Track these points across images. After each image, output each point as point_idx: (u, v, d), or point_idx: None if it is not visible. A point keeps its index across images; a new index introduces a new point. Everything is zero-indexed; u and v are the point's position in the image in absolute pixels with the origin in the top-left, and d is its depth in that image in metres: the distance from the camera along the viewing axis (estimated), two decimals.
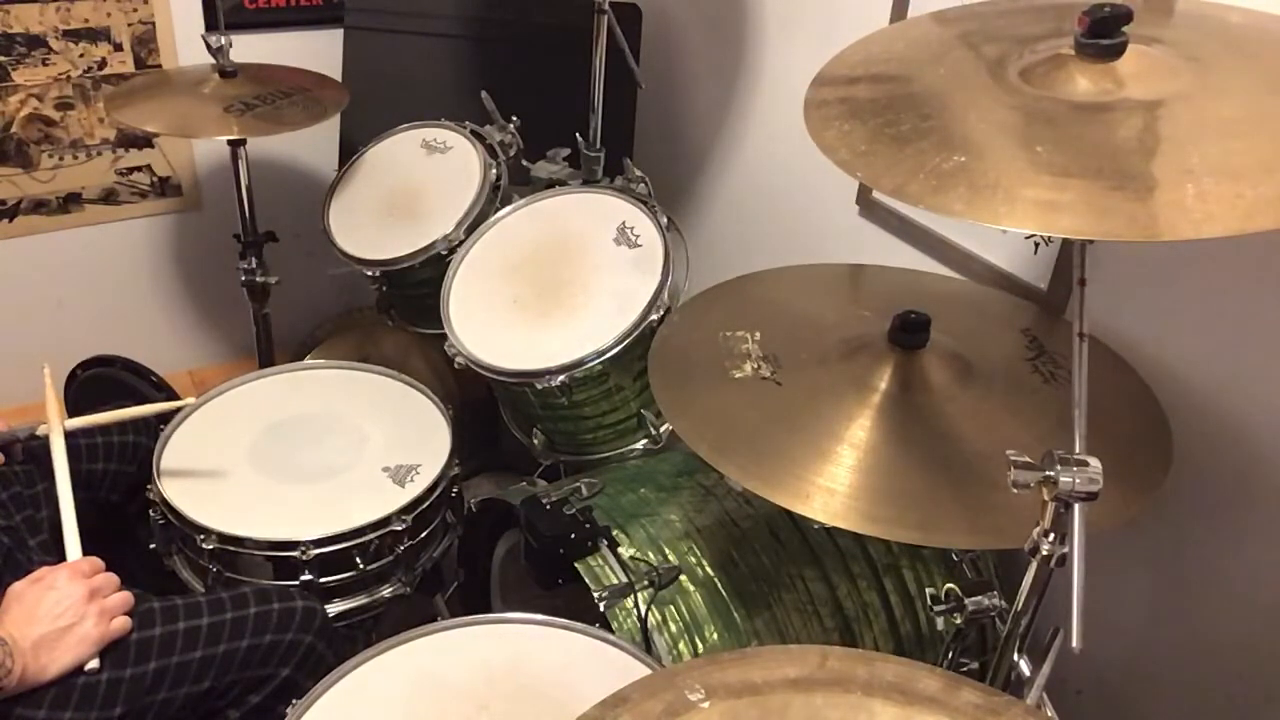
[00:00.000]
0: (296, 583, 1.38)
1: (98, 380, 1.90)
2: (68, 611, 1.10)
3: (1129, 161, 0.79)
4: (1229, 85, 0.87)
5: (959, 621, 1.05)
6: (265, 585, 1.36)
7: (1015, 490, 0.84)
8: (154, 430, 1.54)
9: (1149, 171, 0.78)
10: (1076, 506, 0.83)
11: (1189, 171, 0.77)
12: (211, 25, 2.13)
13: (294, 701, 1.08)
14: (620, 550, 1.33)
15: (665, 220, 1.60)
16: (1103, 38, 0.87)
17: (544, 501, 1.39)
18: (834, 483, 1.02)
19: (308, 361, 1.98)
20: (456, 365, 1.56)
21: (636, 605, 1.27)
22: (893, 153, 0.86)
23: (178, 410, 1.55)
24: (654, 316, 1.50)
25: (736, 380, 1.18)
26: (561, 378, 1.49)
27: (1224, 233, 0.72)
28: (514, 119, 1.86)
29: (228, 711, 1.24)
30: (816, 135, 0.92)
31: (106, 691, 1.12)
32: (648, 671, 1.01)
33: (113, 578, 1.17)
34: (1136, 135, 0.82)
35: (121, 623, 1.15)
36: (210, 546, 1.38)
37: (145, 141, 2.25)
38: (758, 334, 1.24)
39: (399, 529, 1.43)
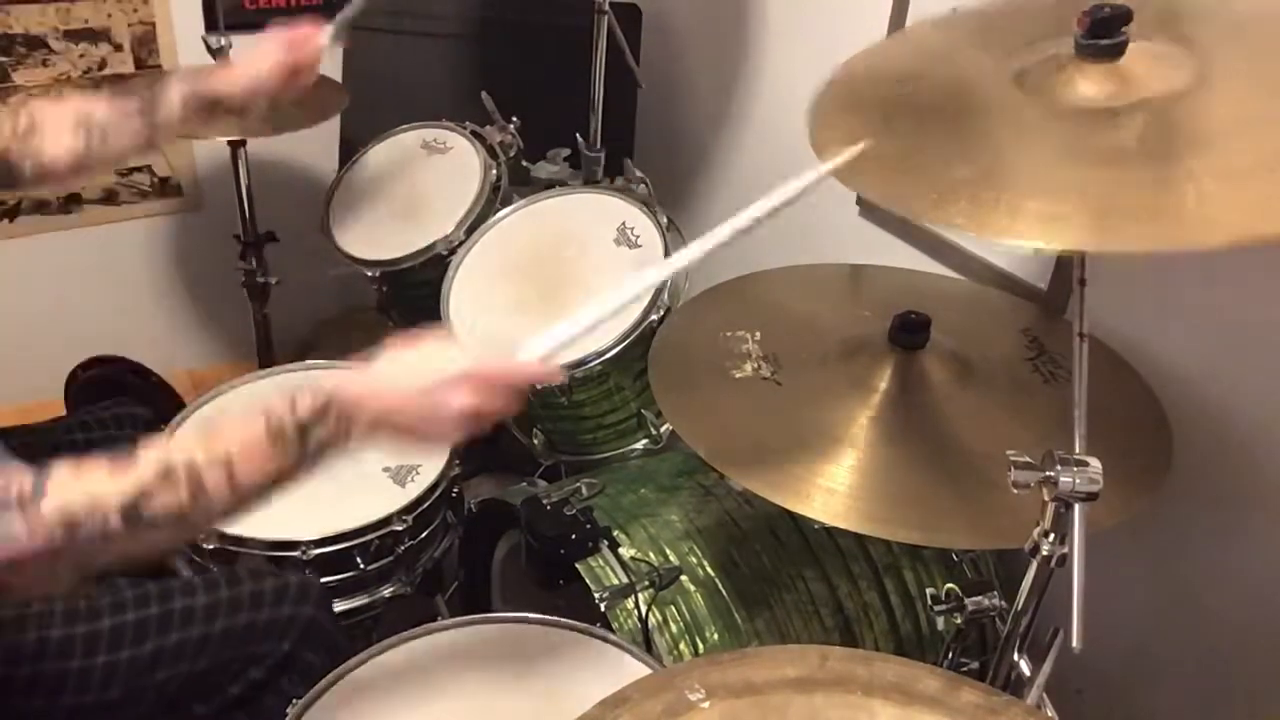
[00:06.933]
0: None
1: (98, 380, 1.90)
2: (434, 427, 0.89)
3: (1136, 170, 0.79)
4: (1235, 76, 0.86)
5: (959, 621, 1.05)
6: (254, 567, 1.34)
7: (1015, 490, 0.84)
8: (154, 429, 1.54)
9: (1159, 178, 0.78)
10: (1077, 506, 0.83)
11: (1197, 177, 0.76)
12: (211, 25, 2.13)
13: (294, 691, 1.07)
14: (621, 550, 1.33)
15: (665, 220, 1.60)
16: (1103, 38, 0.87)
17: (544, 502, 1.39)
18: (834, 483, 1.02)
19: (308, 362, 1.98)
20: None
21: (637, 605, 1.27)
22: (910, 174, 0.85)
23: None
24: (654, 316, 1.50)
25: (737, 380, 1.18)
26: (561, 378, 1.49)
27: (1233, 242, 0.72)
28: (514, 119, 1.86)
29: (228, 688, 1.22)
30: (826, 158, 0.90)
31: (102, 675, 1.11)
32: (648, 671, 1.01)
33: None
34: (1141, 140, 0.82)
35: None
36: (210, 546, 1.38)
37: None
38: (758, 334, 1.24)
39: (399, 529, 1.43)
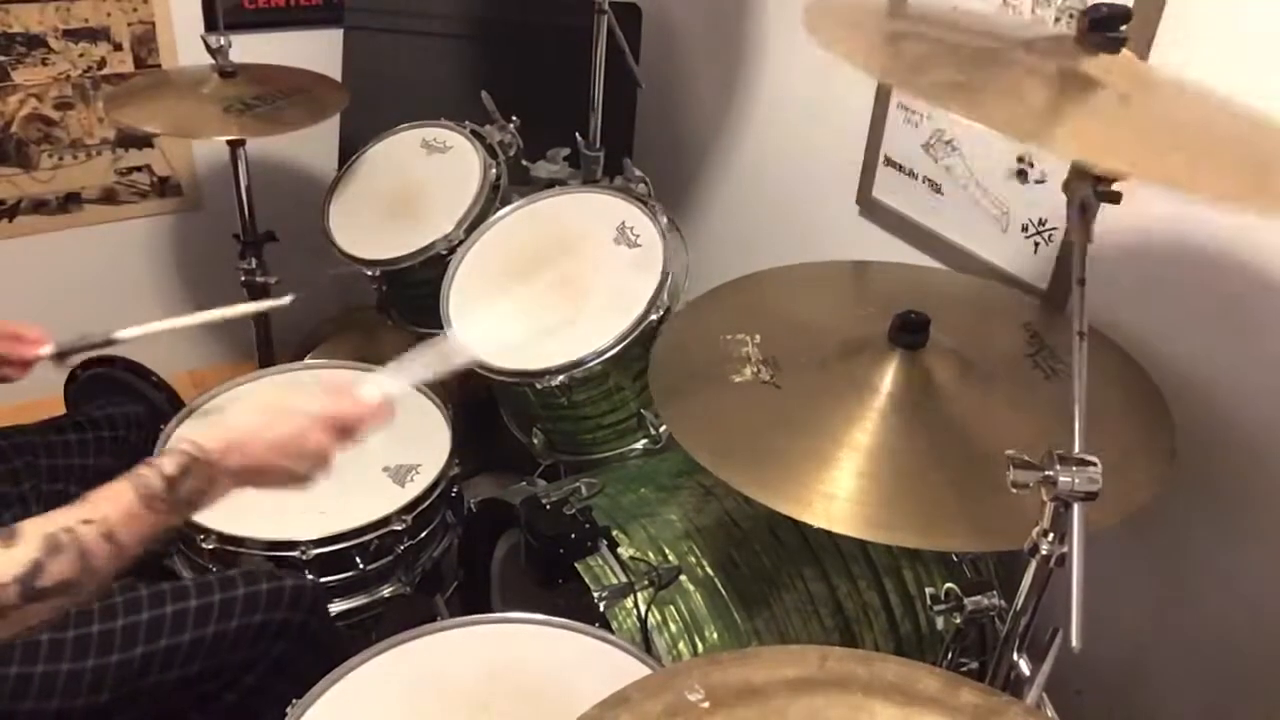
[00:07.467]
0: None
1: (98, 380, 1.90)
2: (298, 467, 0.97)
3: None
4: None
5: (959, 621, 1.05)
6: (253, 567, 1.34)
7: (1014, 490, 0.84)
8: (152, 429, 1.54)
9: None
10: (1076, 506, 0.83)
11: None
12: (211, 25, 2.13)
13: (289, 696, 1.07)
14: (620, 550, 1.33)
15: (665, 220, 1.60)
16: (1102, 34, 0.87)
17: (544, 501, 1.39)
18: (835, 488, 1.02)
19: (308, 361, 1.98)
20: None
21: (636, 605, 1.27)
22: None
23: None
24: (654, 316, 1.50)
25: (736, 385, 1.17)
26: (561, 378, 1.49)
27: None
28: (514, 119, 1.86)
29: (223, 694, 1.22)
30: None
31: (92, 679, 1.11)
32: (648, 671, 1.01)
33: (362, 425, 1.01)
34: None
35: None
36: (210, 546, 1.38)
37: (145, 141, 2.25)
38: (758, 336, 1.24)
39: (399, 529, 1.43)
